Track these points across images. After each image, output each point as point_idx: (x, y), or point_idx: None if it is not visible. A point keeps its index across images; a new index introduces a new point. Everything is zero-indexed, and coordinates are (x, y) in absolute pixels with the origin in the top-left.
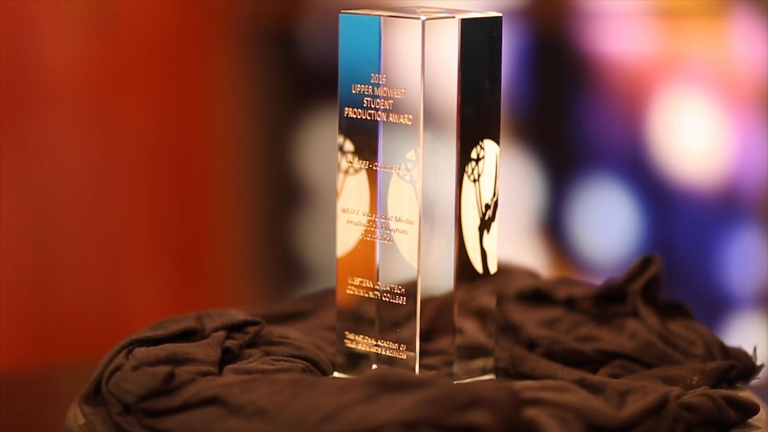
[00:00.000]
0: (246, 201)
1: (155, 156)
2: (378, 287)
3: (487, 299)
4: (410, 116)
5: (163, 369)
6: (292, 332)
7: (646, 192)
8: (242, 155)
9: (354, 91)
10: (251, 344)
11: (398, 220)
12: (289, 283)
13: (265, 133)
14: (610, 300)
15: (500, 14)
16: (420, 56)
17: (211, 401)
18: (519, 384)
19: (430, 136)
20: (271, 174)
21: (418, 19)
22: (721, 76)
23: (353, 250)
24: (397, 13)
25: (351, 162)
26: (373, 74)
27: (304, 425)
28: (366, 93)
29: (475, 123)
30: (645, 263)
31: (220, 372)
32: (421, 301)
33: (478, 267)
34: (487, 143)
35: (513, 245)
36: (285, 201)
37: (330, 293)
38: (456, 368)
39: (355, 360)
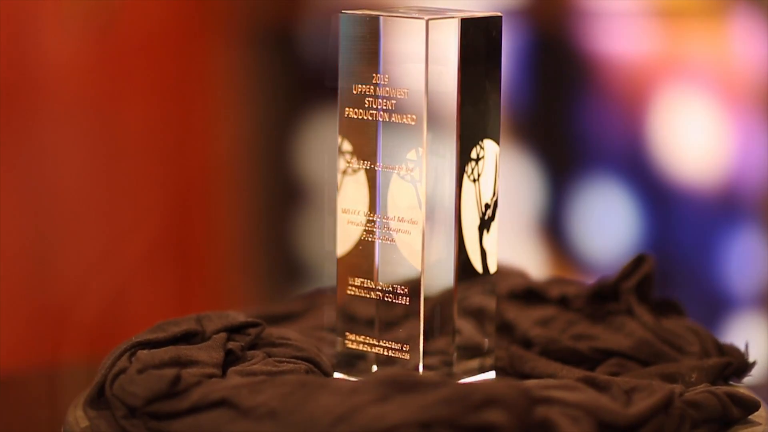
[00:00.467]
0: (246, 201)
1: (155, 155)
2: (378, 287)
3: (486, 299)
4: (413, 116)
5: (170, 372)
6: (291, 333)
7: (646, 192)
8: (242, 155)
9: (355, 92)
10: (252, 346)
11: (399, 220)
12: (289, 284)
13: (265, 133)
14: (603, 298)
15: (500, 14)
16: (424, 56)
17: (220, 403)
18: (526, 383)
19: (430, 136)
20: (271, 174)
21: (421, 19)
22: (721, 76)
23: (353, 250)
24: (398, 13)
25: (350, 162)
26: (374, 74)
27: (318, 426)
28: (367, 93)
29: (475, 123)
30: (637, 262)
31: (223, 374)
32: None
33: (478, 267)
34: (487, 143)
35: (513, 245)
36: (285, 201)
37: (320, 294)
38: (455, 368)
39: (355, 360)
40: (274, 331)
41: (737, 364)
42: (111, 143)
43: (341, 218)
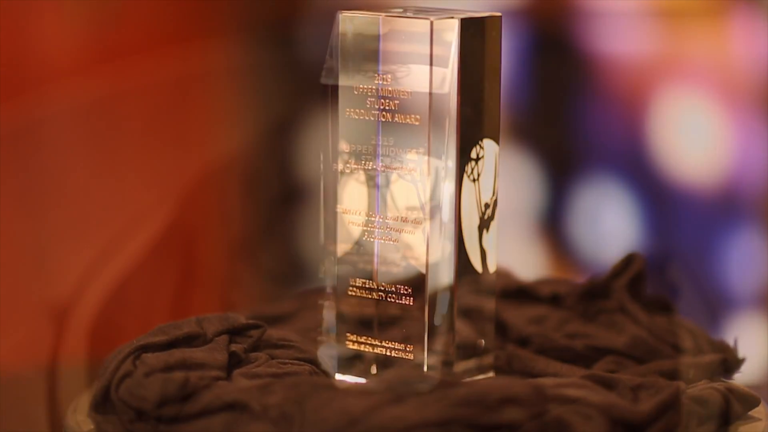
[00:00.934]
0: (246, 200)
1: (155, 155)
2: (379, 287)
3: (486, 298)
4: (417, 116)
5: (179, 375)
6: (291, 334)
7: (645, 192)
8: (242, 155)
9: (355, 92)
10: (254, 348)
11: (402, 220)
12: (289, 284)
13: (265, 133)
14: (594, 297)
15: (500, 14)
16: (428, 57)
17: (232, 406)
18: (539, 381)
19: (431, 136)
20: (272, 174)
21: (426, 19)
22: (721, 76)
23: (353, 250)
24: (398, 13)
25: (350, 162)
26: (375, 75)
27: (335, 427)
28: (369, 93)
29: (474, 123)
30: (628, 260)
31: (228, 376)
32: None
33: (478, 266)
34: (487, 143)
35: (512, 245)
36: (285, 201)
37: (310, 294)
38: (455, 367)
39: (356, 361)
40: (274, 333)
41: (732, 360)
42: (111, 143)
43: (341, 218)
